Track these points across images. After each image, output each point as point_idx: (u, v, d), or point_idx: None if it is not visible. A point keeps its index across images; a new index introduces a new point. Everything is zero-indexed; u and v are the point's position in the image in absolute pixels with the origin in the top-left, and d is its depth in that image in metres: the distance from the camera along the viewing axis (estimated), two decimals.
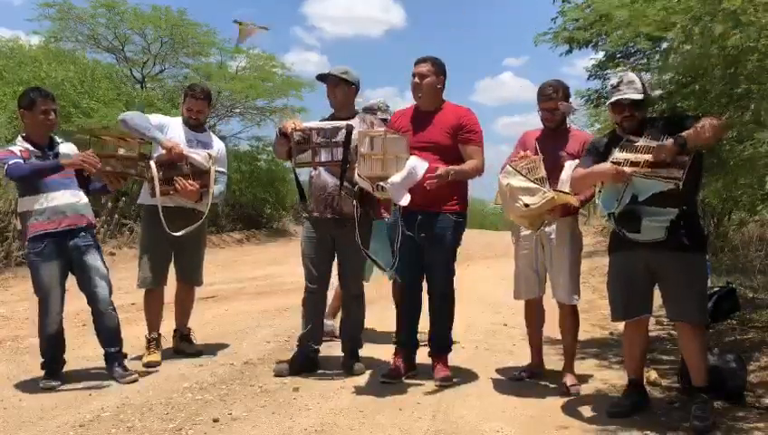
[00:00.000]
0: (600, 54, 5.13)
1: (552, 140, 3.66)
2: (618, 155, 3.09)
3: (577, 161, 3.49)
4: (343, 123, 3.72)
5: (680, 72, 3.73)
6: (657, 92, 3.97)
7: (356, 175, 3.48)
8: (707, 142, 2.99)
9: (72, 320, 4.68)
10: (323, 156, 3.72)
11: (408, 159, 3.42)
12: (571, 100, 3.83)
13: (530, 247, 3.72)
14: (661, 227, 3.01)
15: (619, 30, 3.81)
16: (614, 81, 3.23)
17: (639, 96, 3.12)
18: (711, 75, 3.49)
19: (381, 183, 3.38)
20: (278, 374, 3.85)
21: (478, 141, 3.75)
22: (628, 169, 3.00)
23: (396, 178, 3.36)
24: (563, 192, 3.38)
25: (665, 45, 3.91)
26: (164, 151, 3.95)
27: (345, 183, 3.71)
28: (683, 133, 2.93)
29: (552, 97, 3.65)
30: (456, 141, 3.68)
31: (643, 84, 3.17)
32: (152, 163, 3.86)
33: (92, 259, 3.71)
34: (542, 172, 3.43)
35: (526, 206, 3.41)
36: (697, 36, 3.10)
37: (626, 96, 3.12)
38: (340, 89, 3.89)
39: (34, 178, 3.55)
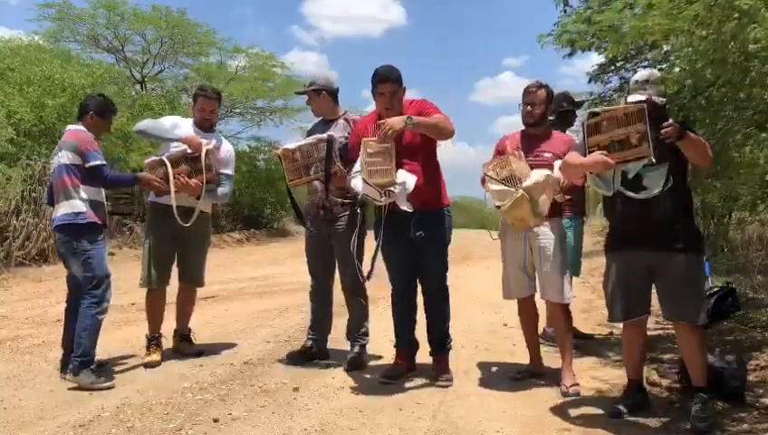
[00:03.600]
0: (602, 58, 5.14)
1: (532, 142, 3.69)
2: (591, 140, 3.09)
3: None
4: (325, 136, 3.85)
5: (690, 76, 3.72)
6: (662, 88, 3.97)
7: (360, 182, 3.48)
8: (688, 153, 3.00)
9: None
10: (311, 171, 3.86)
11: (397, 171, 3.45)
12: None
13: (517, 248, 3.73)
14: (660, 178, 2.99)
15: (623, 37, 3.80)
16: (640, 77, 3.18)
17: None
18: (716, 78, 3.49)
19: (391, 188, 3.42)
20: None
21: (437, 110, 3.62)
22: (611, 160, 2.99)
23: (398, 187, 3.42)
24: (530, 186, 3.41)
25: (666, 48, 3.91)
26: (173, 151, 4.04)
27: (334, 189, 3.87)
28: (688, 132, 2.92)
29: (532, 91, 3.70)
30: (425, 137, 3.63)
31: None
32: (166, 160, 3.97)
33: None
34: (511, 170, 3.44)
35: (498, 208, 3.48)
36: (703, 39, 3.10)
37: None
38: (312, 99, 4.11)
39: (112, 187, 4.10)
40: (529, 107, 3.72)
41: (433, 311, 3.81)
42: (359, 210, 3.88)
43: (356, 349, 4.05)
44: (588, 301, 6.34)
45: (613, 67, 5.18)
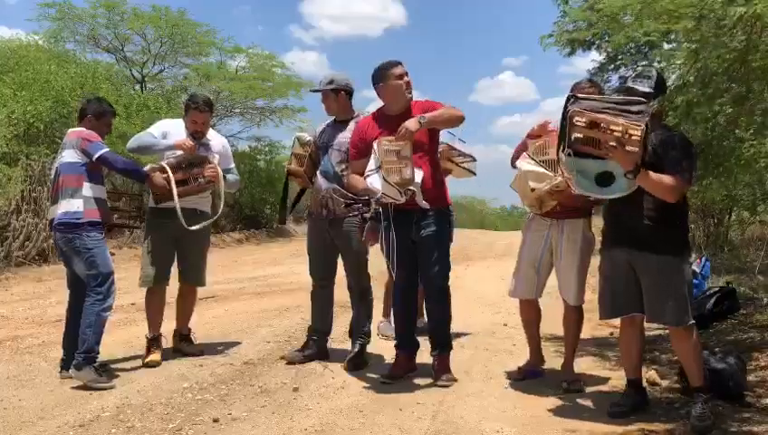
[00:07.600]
0: (602, 56, 5.11)
1: None
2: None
3: None
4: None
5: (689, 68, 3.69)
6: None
7: (377, 180, 3.47)
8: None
9: None
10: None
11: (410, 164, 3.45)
12: None
13: (536, 246, 3.70)
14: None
15: (624, 29, 3.79)
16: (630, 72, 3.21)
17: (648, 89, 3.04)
18: (716, 72, 3.46)
19: (411, 187, 3.43)
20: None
21: (441, 105, 3.67)
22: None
23: (415, 186, 3.45)
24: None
25: (666, 46, 3.91)
26: (171, 159, 4.07)
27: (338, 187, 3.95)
28: (648, 172, 2.90)
29: (583, 90, 3.51)
30: (431, 135, 3.66)
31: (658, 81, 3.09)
32: (166, 166, 3.99)
33: None
34: (552, 155, 3.40)
35: (532, 190, 3.48)
36: (707, 28, 3.09)
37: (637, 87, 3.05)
38: (329, 99, 4.08)
39: (122, 174, 4.37)
40: None
41: (435, 311, 3.80)
42: (380, 209, 3.79)
43: (356, 349, 4.05)
44: (588, 301, 6.31)
45: (612, 66, 5.16)
